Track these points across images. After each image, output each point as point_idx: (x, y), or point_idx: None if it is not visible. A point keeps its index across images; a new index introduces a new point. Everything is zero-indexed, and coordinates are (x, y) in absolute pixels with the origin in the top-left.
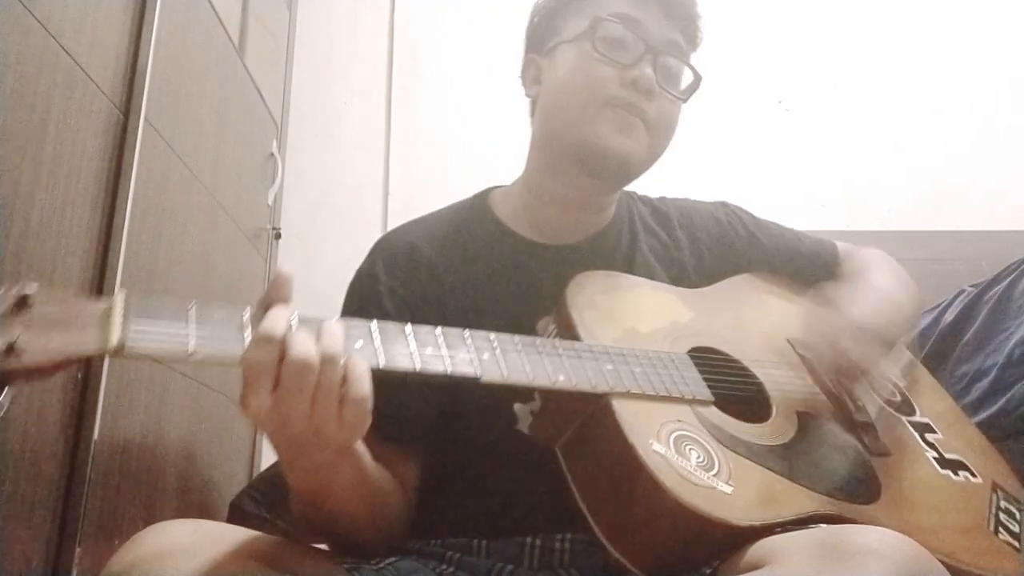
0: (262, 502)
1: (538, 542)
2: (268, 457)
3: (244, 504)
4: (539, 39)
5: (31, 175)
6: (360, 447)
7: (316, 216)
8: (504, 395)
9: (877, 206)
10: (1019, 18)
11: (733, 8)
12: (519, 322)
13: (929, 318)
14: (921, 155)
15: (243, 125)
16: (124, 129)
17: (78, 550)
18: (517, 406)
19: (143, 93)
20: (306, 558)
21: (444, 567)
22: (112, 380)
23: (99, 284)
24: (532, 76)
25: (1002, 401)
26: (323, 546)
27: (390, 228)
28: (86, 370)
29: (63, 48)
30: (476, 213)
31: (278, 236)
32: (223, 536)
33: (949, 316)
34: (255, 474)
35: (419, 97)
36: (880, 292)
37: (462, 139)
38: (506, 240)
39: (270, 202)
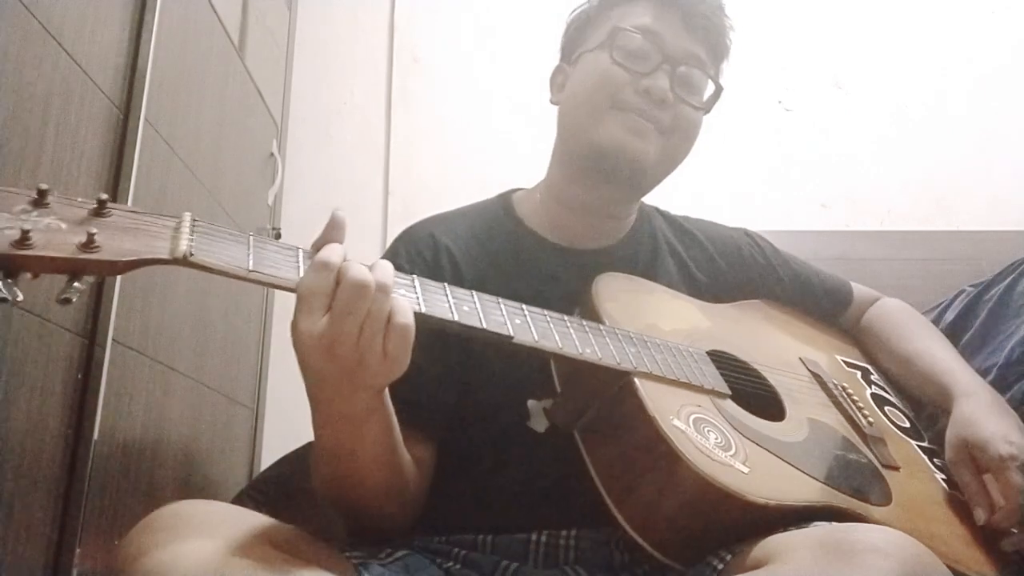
0: (262, 502)
1: (543, 539)
2: (268, 457)
3: (244, 504)
4: (569, 49)
5: (31, 175)
6: (388, 406)
7: (316, 216)
8: (519, 389)
9: (877, 206)
10: (1019, 18)
11: (733, 8)
12: None
13: (929, 318)
14: (921, 155)
15: (243, 125)
16: (124, 129)
17: (78, 550)
18: (531, 403)
19: (143, 93)
20: (316, 548)
21: (451, 563)
22: (112, 380)
23: (99, 283)
24: (559, 83)
25: None
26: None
27: (390, 228)
28: (86, 370)
29: (63, 48)
30: (499, 213)
31: (278, 236)
32: (237, 518)
33: (949, 316)
34: (255, 474)
35: (419, 97)
36: (987, 394)
37: (462, 139)
38: (528, 241)
39: (270, 202)
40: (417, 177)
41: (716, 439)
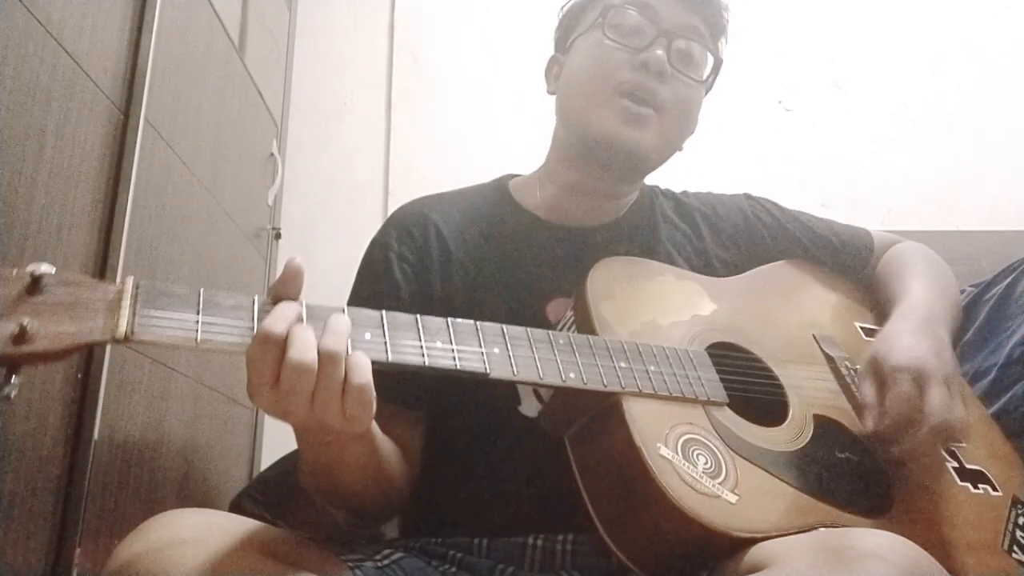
0: (262, 502)
1: (539, 543)
2: (268, 457)
3: (244, 504)
4: (561, 39)
5: (31, 175)
6: (374, 430)
7: (316, 216)
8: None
9: (877, 206)
10: (1019, 19)
11: (734, 7)
12: (526, 299)
13: None
14: (921, 155)
15: (243, 125)
16: (124, 129)
17: (78, 550)
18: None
19: (143, 93)
20: (310, 552)
21: (446, 566)
22: (112, 380)
23: (100, 274)
24: (555, 74)
25: (1002, 401)
26: (322, 536)
27: None
28: (86, 370)
29: (63, 48)
30: (494, 193)
31: (278, 236)
32: (229, 527)
33: None
34: (255, 474)
35: (419, 97)
36: (925, 315)
37: (462, 139)
38: (522, 219)
39: (270, 202)
40: (417, 177)
41: (705, 464)
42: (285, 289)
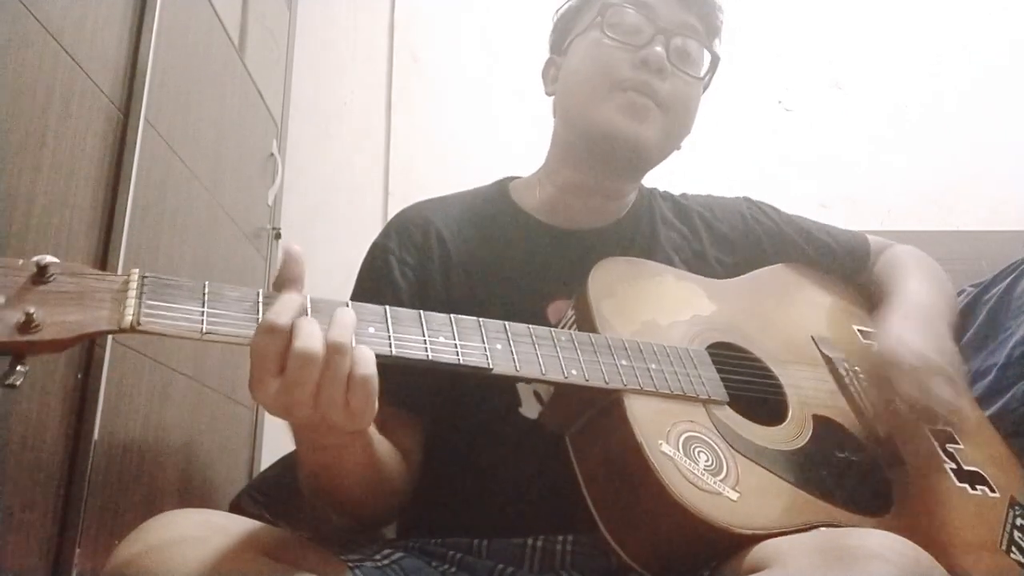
0: (262, 502)
1: (539, 543)
2: (268, 457)
3: (244, 504)
4: (558, 41)
5: (31, 175)
6: (372, 432)
7: (316, 216)
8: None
9: (877, 206)
10: (1018, 19)
11: (733, 7)
12: (526, 301)
13: None
14: (920, 155)
15: (243, 125)
16: (124, 129)
17: (78, 550)
18: (520, 384)
19: (143, 93)
20: (310, 552)
21: (446, 566)
22: (112, 380)
23: (100, 268)
24: (552, 75)
25: (1002, 401)
26: (322, 536)
27: None
28: (86, 370)
29: (63, 48)
30: (494, 196)
31: (278, 236)
32: (229, 527)
33: None
34: (255, 474)
35: (419, 97)
36: (925, 313)
37: (462, 139)
38: (521, 221)
39: (270, 202)
40: (417, 177)
41: (706, 461)
42: (288, 272)
